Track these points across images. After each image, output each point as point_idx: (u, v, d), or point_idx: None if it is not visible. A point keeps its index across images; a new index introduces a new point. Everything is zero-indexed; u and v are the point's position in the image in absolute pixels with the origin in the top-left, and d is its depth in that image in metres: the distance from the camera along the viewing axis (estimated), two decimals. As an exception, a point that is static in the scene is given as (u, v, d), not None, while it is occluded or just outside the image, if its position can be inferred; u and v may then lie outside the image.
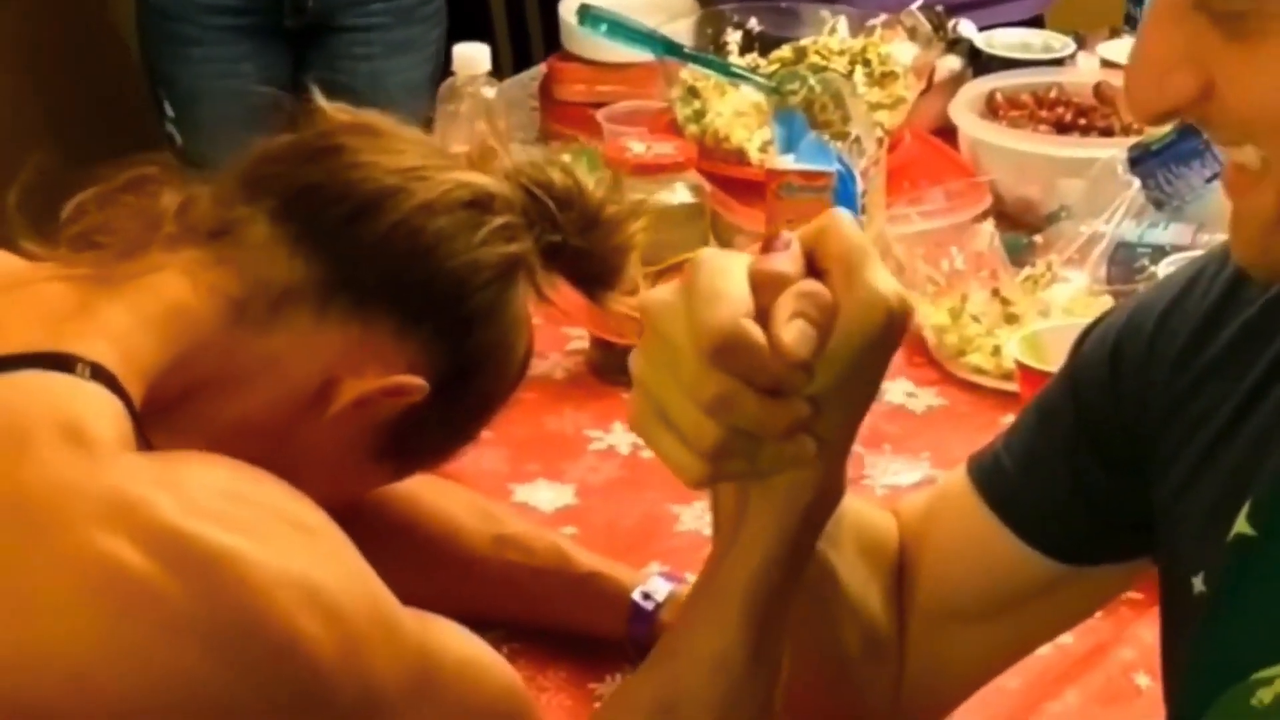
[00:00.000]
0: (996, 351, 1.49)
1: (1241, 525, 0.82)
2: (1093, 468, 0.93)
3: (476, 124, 1.58)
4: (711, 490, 0.84)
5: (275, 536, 0.84)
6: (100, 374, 0.87)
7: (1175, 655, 0.89)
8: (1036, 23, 2.22)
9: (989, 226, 1.60)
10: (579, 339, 1.59)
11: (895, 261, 1.60)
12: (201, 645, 0.80)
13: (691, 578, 0.95)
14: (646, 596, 1.16)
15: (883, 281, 0.78)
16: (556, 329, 1.62)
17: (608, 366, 1.55)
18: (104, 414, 0.85)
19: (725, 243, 1.65)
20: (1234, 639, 0.83)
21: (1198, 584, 0.85)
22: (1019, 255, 1.63)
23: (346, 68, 2.41)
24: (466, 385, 0.99)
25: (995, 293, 1.53)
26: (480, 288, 0.97)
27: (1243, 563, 0.82)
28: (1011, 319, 1.51)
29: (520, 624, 1.17)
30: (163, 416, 0.90)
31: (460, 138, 1.58)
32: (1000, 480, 0.97)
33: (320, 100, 1.00)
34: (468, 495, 1.21)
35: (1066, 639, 1.19)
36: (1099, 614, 1.20)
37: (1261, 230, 0.75)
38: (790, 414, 0.77)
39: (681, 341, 0.75)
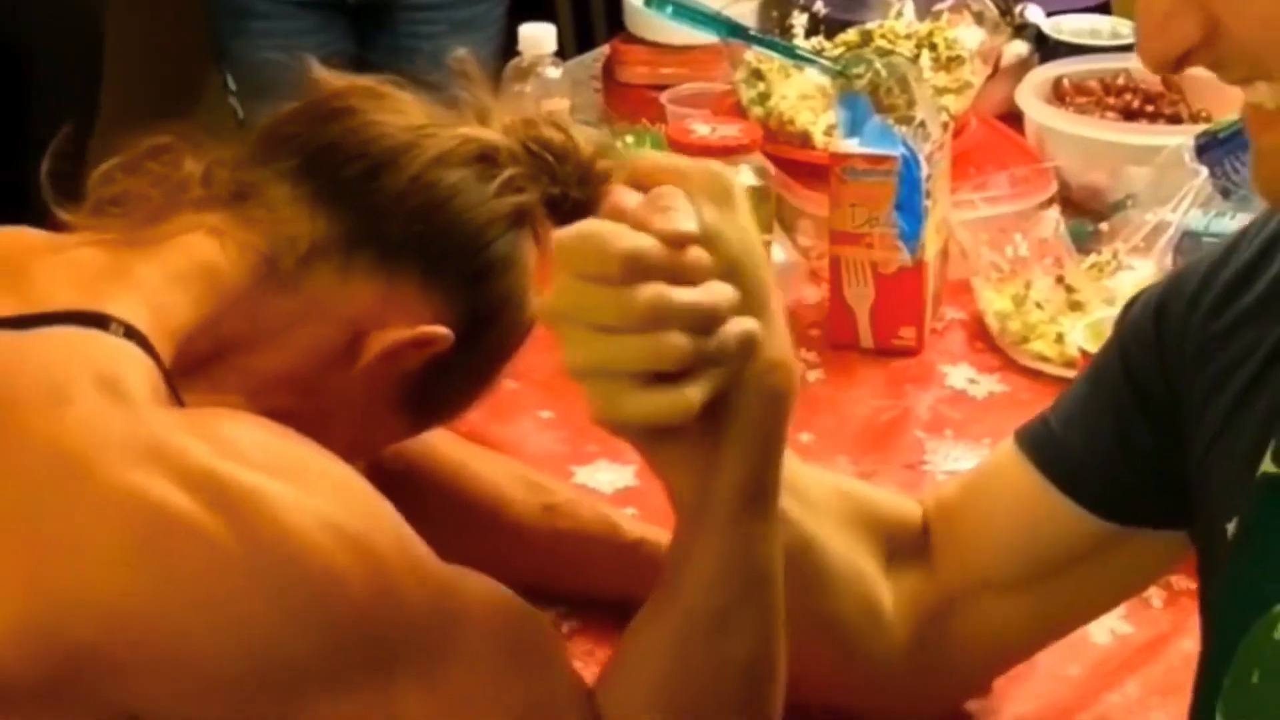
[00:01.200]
0: (1060, 339, 1.49)
1: (1268, 465, 0.84)
2: (1138, 422, 0.95)
3: (542, 104, 1.58)
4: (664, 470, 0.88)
5: (307, 482, 0.86)
6: (133, 333, 0.90)
7: (1208, 598, 0.92)
8: (1103, 9, 2.21)
9: (1054, 213, 1.60)
10: (642, 320, 1.59)
11: (958, 246, 1.60)
12: (249, 583, 0.82)
13: None
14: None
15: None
16: (618, 310, 1.63)
17: (669, 348, 1.55)
18: (138, 370, 0.88)
19: (789, 226, 1.65)
20: (1259, 574, 0.85)
21: (1230, 529, 0.87)
22: (1084, 243, 1.62)
23: (410, 45, 2.42)
24: (486, 334, 1.01)
25: (1060, 280, 1.52)
26: (496, 237, 1.00)
27: (1268, 500, 0.85)
28: (1076, 306, 1.50)
29: (569, 592, 1.17)
30: (195, 373, 0.93)
31: (525, 118, 1.59)
32: (1046, 441, 1.00)
33: (319, 68, 1.04)
34: (515, 466, 1.22)
35: (1126, 628, 1.19)
36: (1159, 604, 1.21)
37: None
38: (714, 297, 0.80)
39: (595, 271, 0.78)
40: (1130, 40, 1.99)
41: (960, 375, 1.52)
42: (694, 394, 0.80)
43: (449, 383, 1.03)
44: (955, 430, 1.44)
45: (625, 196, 0.82)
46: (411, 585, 0.87)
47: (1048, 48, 1.95)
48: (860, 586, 1.00)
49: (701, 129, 1.54)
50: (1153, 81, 1.86)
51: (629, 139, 1.80)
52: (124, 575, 0.82)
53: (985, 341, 1.56)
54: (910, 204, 1.49)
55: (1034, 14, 1.97)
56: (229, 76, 2.46)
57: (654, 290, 0.78)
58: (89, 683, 0.82)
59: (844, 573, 0.99)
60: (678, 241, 0.80)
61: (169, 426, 0.85)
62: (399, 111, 1.02)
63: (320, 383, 0.98)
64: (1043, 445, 1.00)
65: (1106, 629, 1.19)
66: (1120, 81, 1.86)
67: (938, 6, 1.90)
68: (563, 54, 2.45)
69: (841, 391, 1.51)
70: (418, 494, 1.03)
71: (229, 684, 0.83)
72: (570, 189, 1.02)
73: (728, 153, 1.51)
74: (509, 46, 1.61)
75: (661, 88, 1.94)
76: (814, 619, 0.98)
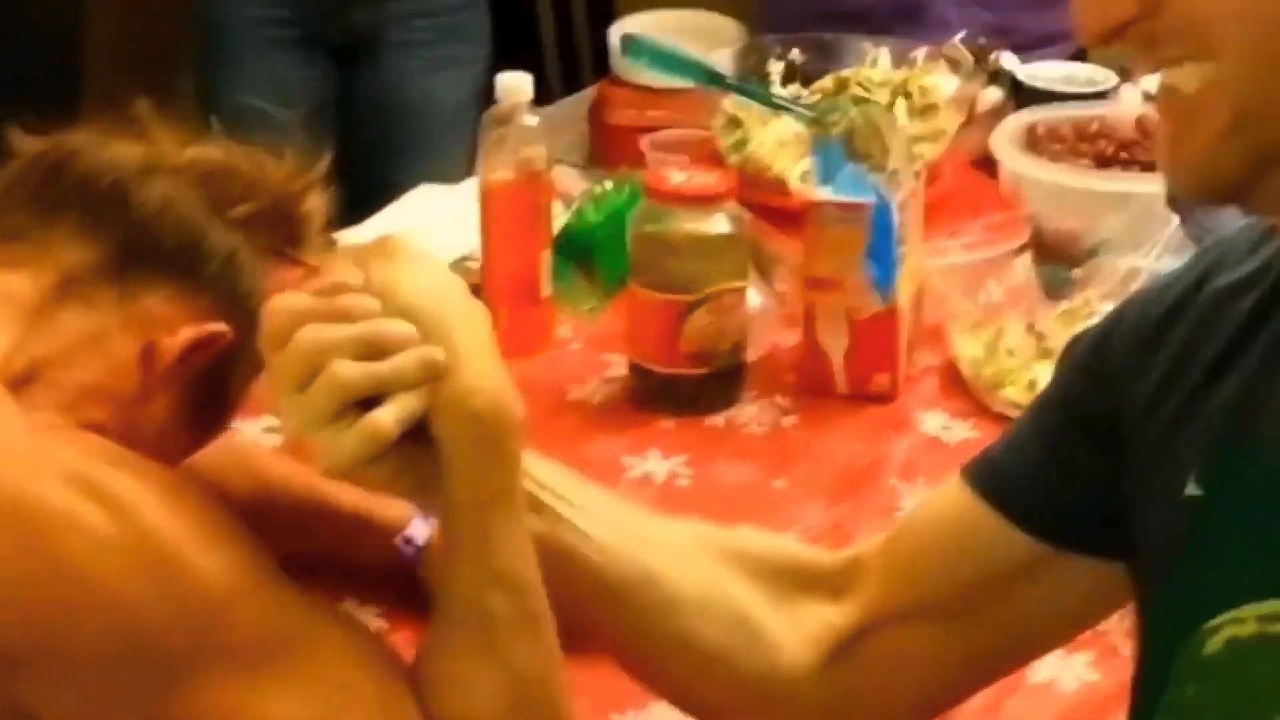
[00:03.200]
0: (1032, 386, 1.50)
1: (1191, 488, 0.88)
2: (1078, 448, 0.98)
3: (520, 151, 1.60)
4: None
5: (167, 487, 0.94)
6: None
7: (1142, 620, 0.94)
8: (1079, 57, 2.23)
9: (1026, 260, 1.61)
10: (618, 365, 1.60)
11: (932, 292, 1.62)
12: (128, 566, 0.88)
13: None
14: (408, 541, 1.23)
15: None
16: (596, 355, 1.64)
17: (645, 394, 1.56)
18: None
19: (766, 271, 1.67)
20: (1188, 594, 0.88)
21: (1160, 551, 0.91)
22: (1058, 289, 1.63)
23: (392, 83, 2.44)
24: (254, 326, 1.08)
25: (1031, 327, 1.54)
26: (221, 242, 1.09)
27: (1191, 522, 0.88)
28: (1046, 353, 1.52)
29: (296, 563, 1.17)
30: (16, 392, 0.99)
31: (505, 164, 1.60)
32: (985, 466, 1.02)
33: (19, 138, 1.11)
34: (228, 445, 1.26)
35: (1094, 675, 1.21)
36: (1127, 652, 1.22)
37: (1208, 148, 0.79)
38: (377, 328, 0.91)
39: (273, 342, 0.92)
40: (1105, 87, 2.01)
41: (934, 421, 1.53)
42: (384, 415, 0.90)
43: (235, 380, 1.10)
44: (929, 477, 1.45)
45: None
46: (270, 589, 0.94)
47: (1022, 94, 1.97)
48: (723, 609, 1.04)
49: (678, 177, 1.55)
50: (1127, 128, 1.88)
51: (608, 184, 1.81)
52: (10, 568, 0.88)
53: (959, 387, 1.57)
54: (883, 251, 1.50)
55: (1009, 61, 1.99)
56: (213, 116, 2.47)
57: (308, 330, 0.90)
58: None
59: (697, 598, 1.03)
60: (333, 292, 0.92)
61: (36, 432, 0.93)
62: (116, 146, 1.11)
63: (126, 394, 1.05)
64: (981, 470, 1.02)
65: (1075, 677, 1.21)
66: (1094, 128, 1.88)
67: (913, 54, 1.92)
68: (549, 95, 2.47)
69: (816, 437, 1.52)
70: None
71: (108, 669, 0.88)
72: (262, 203, 1.11)
73: (703, 200, 1.53)
74: (494, 89, 1.62)
75: (648, 129, 1.95)
76: (671, 643, 1.03)
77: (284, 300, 0.93)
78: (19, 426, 0.94)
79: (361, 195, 2.27)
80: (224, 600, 0.90)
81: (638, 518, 1.09)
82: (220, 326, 1.06)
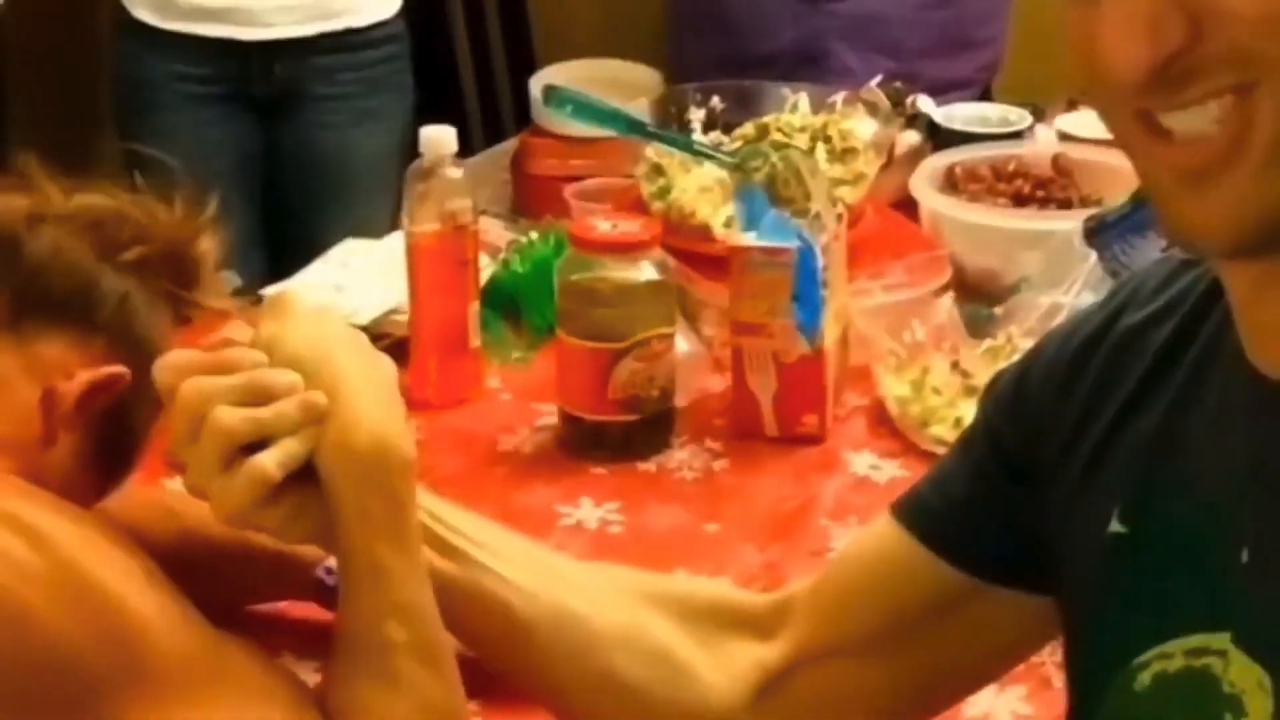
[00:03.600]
0: (958, 423, 1.52)
1: (1115, 525, 0.89)
2: (999, 484, 0.99)
3: (445, 203, 1.60)
4: None
5: (81, 521, 0.97)
6: None
7: (1071, 658, 0.95)
8: (985, 96, 2.27)
9: (948, 300, 1.63)
10: (548, 414, 1.61)
11: (858, 333, 1.63)
12: (51, 595, 0.91)
13: None
14: (329, 571, 1.23)
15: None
16: (526, 404, 1.65)
17: (577, 442, 1.57)
18: None
19: (692, 316, 1.68)
20: (1116, 630, 0.89)
21: (1086, 588, 0.92)
22: (980, 326, 1.66)
23: (315, 136, 2.45)
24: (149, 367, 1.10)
25: (955, 365, 1.56)
26: (111, 288, 1.11)
27: (1116, 558, 0.89)
28: (971, 391, 1.53)
29: (219, 608, 1.18)
30: None
31: (430, 217, 1.61)
32: (913, 502, 1.04)
33: None
34: (153, 495, 1.27)
35: (1026, 709, 1.22)
36: (1059, 684, 1.23)
37: (1252, 182, 0.74)
38: (259, 377, 0.97)
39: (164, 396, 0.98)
40: (1019, 127, 2.04)
41: (863, 462, 1.55)
42: (265, 457, 0.95)
43: (138, 421, 1.12)
44: (859, 516, 1.46)
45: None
46: (185, 621, 0.96)
47: (939, 136, 2.00)
48: (644, 646, 1.05)
49: (604, 225, 1.57)
50: (1043, 167, 1.92)
51: (534, 235, 1.82)
52: None
53: (887, 426, 1.59)
54: (807, 294, 1.52)
55: (925, 104, 2.02)
56: (136, 173, 2.46)
57: (192, 381, 0.96)
58: None
59: (617, 636, 1.05)
60: (220, 347, 0.99)
61: None
62: (1, 199, 1.13)
63: (29, 440, 1.06)
64: (908, 506, 1.03)
65: (1009, 712, 1.22)
66: (1011, 168, 1.91)
67: (831, 99, 1.94)
68: (472, 147, 2.49)
69: (747, 480, 1.53)
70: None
71: (29, 694, 0.90)
72: (153, 245, 1.13)
73: (628, 248, 1.54)
74: (416, 142, 1.63)
75: (571, 179, 1.97)
76: (591, 681, 1.05)
77: (171, 357, 0.99)
78: None
79: (286, 247, 2.28)
80: (142, 629, 0.92)
81: (554, 560, 1.11)
82: (117, 369, 1.08)
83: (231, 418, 0.95)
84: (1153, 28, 0.73)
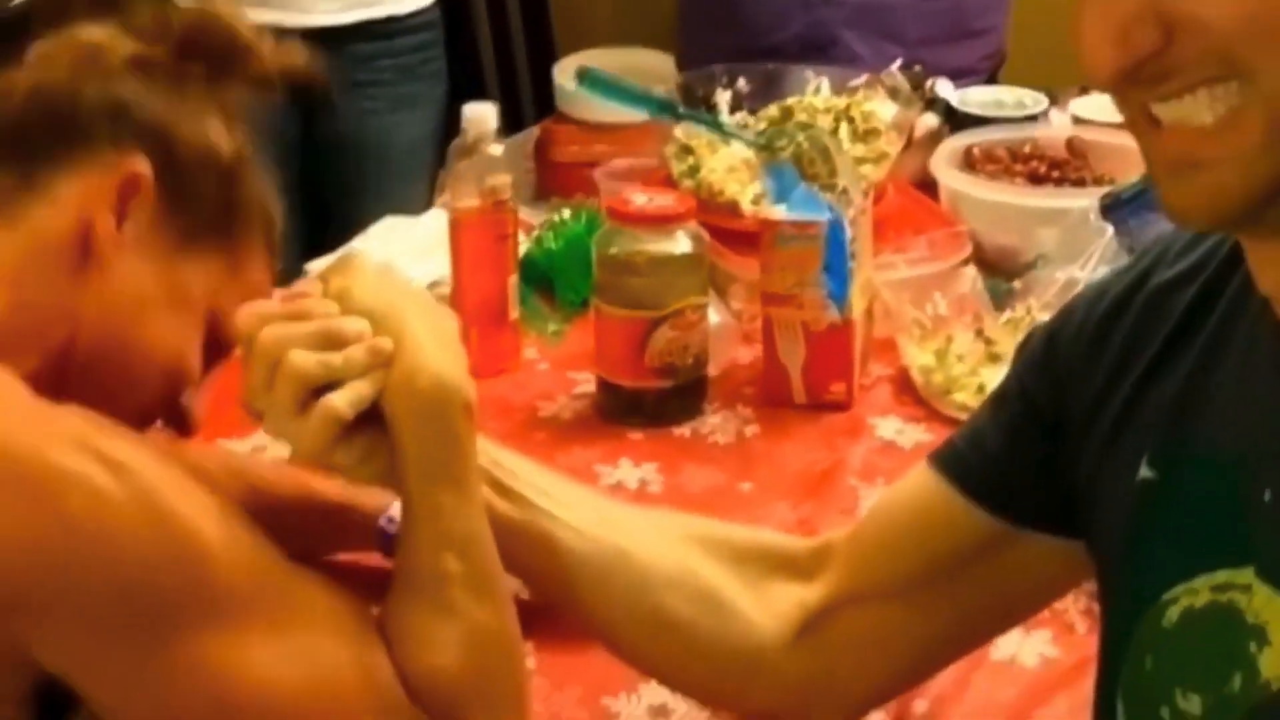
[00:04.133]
0: (981, 389, 1.58)
1: (1144, 471, 0.94)
2: (1031, 435, 1.04)
3: (486, 180, 1.66)
4: None
5: (158, 457, 0.98)
6: None
7: (1104, 597, 1.01)
8: (992, 82, 2.33)
9: (971, 271, 1.69)
10: (585, 383, 1.67)
11: (884, 305, 1.70)
12: (131, 522, 0.93)
13: None
14: (391, 520, 1.28)
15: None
16: (562, 374, 1.71)
17: (613, 408, 1.63)
18: None
19: (722, 290, 1.74)
20: (1146, 570, 0.94)
21: (1118, 532, 0.97)
22: (1000, 300, 1.72)
23: (353, 122, 2.49)
24: (176, 149, 1.09)
25: (979, 333, 1.62)
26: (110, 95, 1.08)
27: (1145, 502, 0.94)
28: (995, 358, 1.60)
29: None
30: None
31: (471, 193, 1.67)
32: (948, 452, 1.09)
33: None
34: (219, 454, 1.31)
35: (1054, 651, 1.28)
36: (1083, 630, 1.29)
37: (1230, 172, 0.79)
38: (332, 324, 1.01)
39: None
40: (1035, 110, 2.10)
41: (889, 427, 1.61)
42: (336, 398, 1.00)
43: (198, 199, 1.09)
44: (886, 478, 1.52)
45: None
46: (256, 549, 1.00)
47: (956, 120, 2.06)
48: (693, 586, 1.11)
49: (639, 199, 1.62)
50: (1058, 149, 1.98)
51: (566, 212, 1.89)
52: (23, 524, 0.92)
53: (911, 394, 1.65)
54: (836, 265, 1.58)
55: (943, 88, 2.08)
56: None
57: (269, 329, 1.01)
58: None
59: (668, 577, 1.11)
60: (295, 298, 1.04)
61: (39, 399, 0.97)
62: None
63: (99, 289, 1.04)
64: (945, 455, 1.10)
65: (1036, 654, 1.28)
66: (1026, 149, 1.97)
67: (853, 83, 2.01)
68: (493, 135, 2.53)
69: (777, 445, 1.59)
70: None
71: (109, 615, 0.93)
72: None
73: (665, 221, 1.60)
74: (451, 124, 1.69)
75: (593, 165, 2.02)
76: (643, 619, 1.11)
77: (250, 306, 1.03)
78: (24, 394, 0.97)
79: (324, 232, 2.33)
80: (214, 556, 0.96)
81: (610, 505, 1.17)
82: (133, 165, 1.05)
83: (306, 361, 1.00)
84: (1124, 35, 0.78)
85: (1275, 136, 0.78)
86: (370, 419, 1.02)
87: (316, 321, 1.02)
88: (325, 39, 2.44)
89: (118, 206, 1.05)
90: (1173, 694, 0.92)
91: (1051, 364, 1.04)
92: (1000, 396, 1.10)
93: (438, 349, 1.03)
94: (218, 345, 1.11)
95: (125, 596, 0.94)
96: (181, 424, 1.14)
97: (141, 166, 1.06)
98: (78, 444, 0.94)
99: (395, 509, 1.30)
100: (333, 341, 1.01)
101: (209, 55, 1.13)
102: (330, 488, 1.31)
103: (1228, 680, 0.89)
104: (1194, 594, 0.92)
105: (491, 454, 1.11)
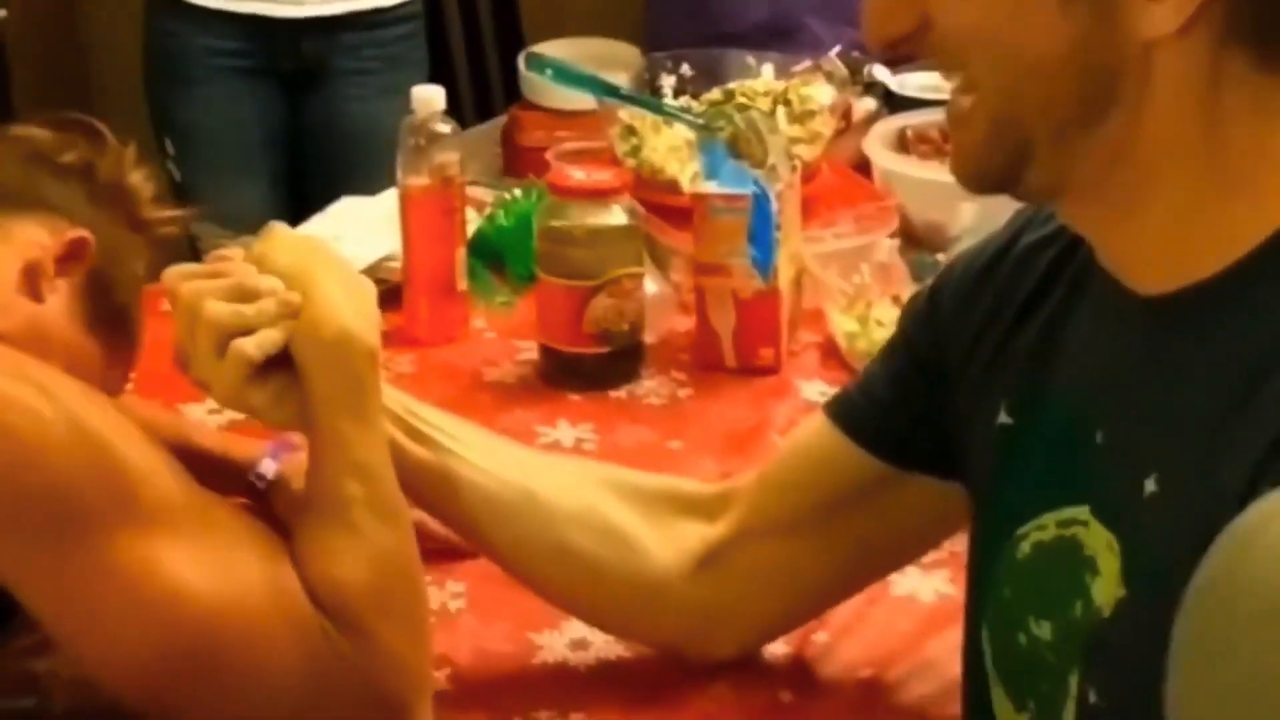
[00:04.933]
0: (900, 354, 1.67)
1: (1003, 417, 1.04)
2: (914, 383, 1.14)
3: (435, 157, 1.76)
4: None
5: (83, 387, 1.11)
6: None
7: (973, 534, 1.09)
8: None
9: (891, 242, 1.79)
10: (528, 350, 1.77)
11: (811, 278, 1.79)
12: (60, 436, 1.04)
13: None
14: (260, 476, 1.39)
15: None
16: (508, 342, 1.80)
17: (553, 372, 1.72)
18: None
19: (662, 264, 1.84)
20: (1005, 508, 1.03)
21: (983, 473, 1.06)
22: (925, 272, 1.80)
23: (340, 110, 2.56)
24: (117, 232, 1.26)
25: (896, 299, 1.71)
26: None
27: (1003, 446, 1.04)
28: (911, 324, 1.69)
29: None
30: None
31: (421, 170, 1.77)
32: (840, 400, 1.19)
33: None
34: (94, 393, 1.39)
35: (950, 589, 1.37)
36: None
37: (976, 152, 0.93)
38: (246, 279, 1.13)
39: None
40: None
41: (814, 389, 1.70)
42: (246, 342, 1.10)
43: (120, 292, 1.26)
44: (806, 434, 1.61)
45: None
46: (174, 472, 1.11)
47: (894, 103, 2.15)
48: (597, 522, 1.22)
49: (578, 174, 1.72)
50: (988, 130, 2.06)
51: (517, 191, 1.98)
52: None
53: (837, 359, 1.74)
54: (762, 235, 1.67)
55: (880, 73, 2.17)
56: (168, 141, 2.58)
57: (189, 284, 1.13)
58: None
59: (573, 514, 1.21)
60: (217, 260, 1.16)
61: None
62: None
63: (35, 323, 1.20)
64: (837, 405, 1.20)
65: (933, 590, 1.37)
66: (958, 131, 2.05)
67: (795, 68, 2.10)
68: (464, 119, 2.62)
69: (708, 406, 1.69)
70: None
71: (36, 519, 1.04)
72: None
73: (601, 194, 1.69)
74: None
75: (556, 149, 2.11)
76: (550, 554, 1.22)
77: (175, 267, 1.16)
78: None
79: (310, 216, 2.41)
80: (134, 472, 1.07)
81: (522, 452, 1.28)
82: (80, 233, 1.22)
83: (221, 310, 1.11)
84: (890, 13, 0.93)
85: (995, 136, 0.91)
86: (283, 367, 1.12)
87: (234, 278, 1.13)
88: (313, 29, 2.54)
89: (60, 259, 1.21)
90: (1027, 621, 1.00)
91: (933, 316, 1.13)
92: (889, 348, 1.19)
93: (343, 303, 1.14)
94: None
95: (51, 501, 1.04)
96: None
97: (85, 236, 1.22)
98: (18, 374, 1.05)
99: (264, 465, 1.41)
100: (247, 295, 1.12)
101: (115, 195, 1.28)
102: (205, 438, 1.41)
103: (1070, 607, 0.97)
104: (1043, 529, 1.00)
105: (406, 404, 1.21)
